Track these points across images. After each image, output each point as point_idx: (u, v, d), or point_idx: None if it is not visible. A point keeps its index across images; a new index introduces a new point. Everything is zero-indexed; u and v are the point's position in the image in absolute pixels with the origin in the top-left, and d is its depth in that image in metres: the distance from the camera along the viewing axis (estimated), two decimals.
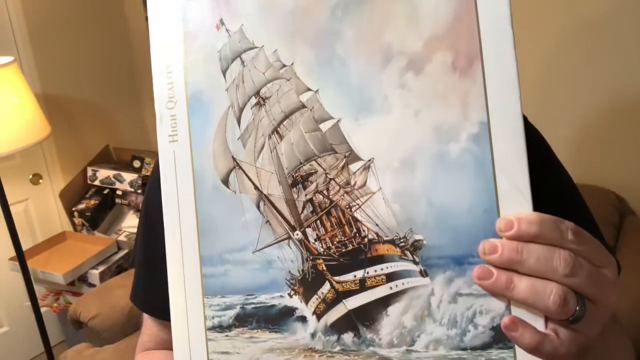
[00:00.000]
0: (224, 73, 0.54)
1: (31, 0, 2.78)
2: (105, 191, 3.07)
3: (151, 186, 0.86)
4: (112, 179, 3.02)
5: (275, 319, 0.54)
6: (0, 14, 2.70)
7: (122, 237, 2.92)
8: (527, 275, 0.46)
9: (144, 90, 3.46)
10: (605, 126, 2.02)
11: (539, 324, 0.47)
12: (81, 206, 3.01)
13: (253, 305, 0.54)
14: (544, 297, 0.45)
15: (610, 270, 0.49)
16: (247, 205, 0.54)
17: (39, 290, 2.59)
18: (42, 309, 2.53)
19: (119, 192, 3.07)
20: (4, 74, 2.14)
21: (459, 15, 0.49)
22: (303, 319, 0.53)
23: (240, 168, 0.54)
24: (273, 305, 0.54)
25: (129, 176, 2.99)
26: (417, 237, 0.50)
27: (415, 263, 0.50)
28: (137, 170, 3.00)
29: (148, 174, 2.95)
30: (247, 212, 0.54)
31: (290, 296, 0.53)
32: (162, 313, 0.84)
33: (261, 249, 0.54)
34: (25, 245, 2.43)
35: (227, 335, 0.55)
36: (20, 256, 2.36)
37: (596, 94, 2.00)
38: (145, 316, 0.89)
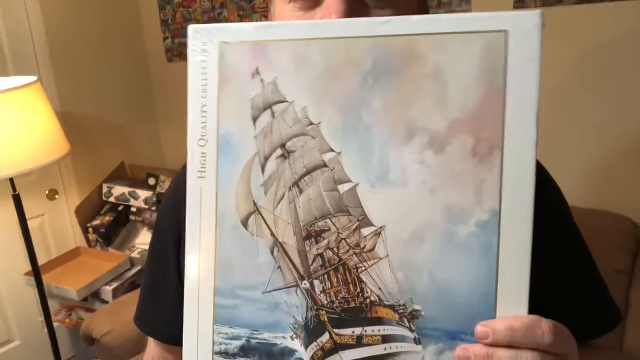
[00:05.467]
0: (254, 121, 0.57)
1: (53, 22, 2.82)
2: (120, 208, 3.08)
3: (163, 210, 0.89)
4: (127, 195, 3.04)
5: (275, 356, 0.58)
6: (23, 34, 2.73)
7: (135, 254, 2.93)
8: None
9: (159, 109, 3.51)
10: (620, 152, 2.01)
11: None
12: (96, 222, 3.03)
13: (257, 341, 0.58)
14: None
15: (573, 356, 0.53)
16: (262, 249, 0.57)
17: (51, 305, 2.60)
18: (54, 324, 2.55)
19: (133, 209, 3.07)
20: (27, 93, 2.17)
21: (486, 104, 0.51)
22: None
23: (260, 213, 0.57)
24: (275, 344, 0.58)
25: (143, 193, 3.00)
26: (416, 307, 0.53)
27: (411, 330, 0.53)
28: (152, 188, 3.02)
29: (162, 191, 2.97)
30: (261, 254, 0.57)
31: (292, 339, 0.57)
32: (164, 337, 0.88)
33: (270, 291, 0.57)
34: (40, 260, 2.45)
35: None
36: (36, 271, 2.38)
37: (611, 119, 2.00)
38: (150, 337, 0.93)
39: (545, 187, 0.77)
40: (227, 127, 0.58)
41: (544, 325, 0.50)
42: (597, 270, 0.79)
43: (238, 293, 0.58)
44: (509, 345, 0.50)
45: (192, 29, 0.58)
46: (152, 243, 0.91)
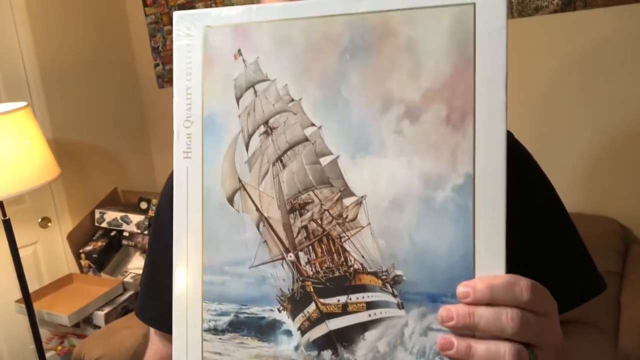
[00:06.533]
0: (237, 100, 0.59)
1: (44, 49, 2.87)
2: (113, 233, 3.08)
3: (162, 202, 0.90)
4: (120, 220, 3.04)
5: (264, 329, 0.59)
6: (14, 62, 2.77)
7: (128, 279, 2.91)
8: (484, 339, 0.51)
9: (152, 135, 3.55)
10: (606, 156, 2.06)
11: None
12: (88, 248, 3.03)
13: (245, 315, 0.59)
14: (499, 359, 0.50)
15: (553, 315, 0.54)
16: (248, 225, 0.59)
17: (44, 333, 2.59)
18: (47, 353, 2.53)
19: (125, 234, 3.07)
20: (17, 117, 2.21)
21: (457, 73, 0.53)
22: (288, 333, 0.58)
23: (245, 190, 0.59)
24: (263, 317, 0.59)
25: (135, 218, 3.00)
26: (398, 272, 0.55)
27: (394, 296, 0.55)
28: (144, 212, 3.02)
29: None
30: (247, 230, 0.59)
31: (279, 311, 0.58)
32: (166, 326, 0.89)
33: (257, 266, 0.59)
34: (32, 288, 2.45)
35: (220, 338, 0.60)
36: (27, 299, 2.37)
37: (599, 124, 2.04)
38: (152, 331, 0.93)
39: (524, 164, 0.80)
40: (211, 108, 0.60)
41: (523, 283, 0.51)
42: (581, 241, 0.81)
43: (226, 269, 0.60)
44: (489, 304, 0.51)
45: (177, 15, 0.61)
46: (152, 235, 0.93)
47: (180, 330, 0.61)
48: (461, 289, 0.52)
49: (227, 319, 0.60)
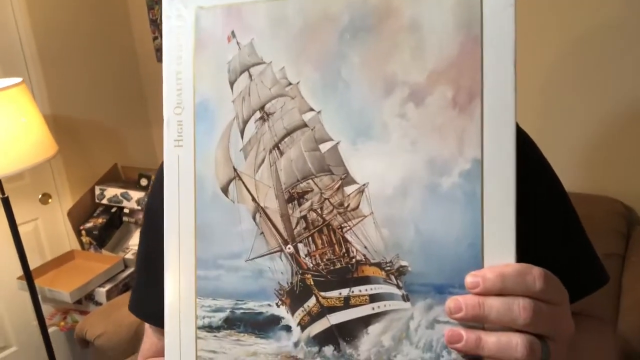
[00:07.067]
0: (231, 85, 0.56)
1: (41, 23, 2.80)
2: (113, 210, 3.06)
3: (154, 190, 0.87)
4: (120, 197, 3.02)
5: (261, 325, 0.56)
6: (11, 36, 2.71)
7: (129, 255, 2.91)
8: (494, 331, 0.49)
9: (152, 110, 3.49)
10: (610, 136, 2.01)
11: None
12: (89, 225, 3.02)
13: (242, 311, 0.57)
14: (511, 351, 0.48)
15: (566, 304, 0.52)
16: (244, 216, 0.56)
17: (47, 309, 2.61)
18: (50, 329, 2.55)
19: (126, 211, 3.05)
20: (13, 94, 2.17)
21: (463, 53, 0.50)
22: (288, 328, 0.56)
23: (240, 179, 0.56)
24: (261, 313, 0.56)
25: (136, 194, 2.98)
26: (403, 262, 0.52)
27: (399, 287, 0.52)
28: (144, 189, 3.00)
29: None
30: (243, 221, 0.56)
31: (278, 306, 0.56)
32: (161, 320, 0.86)
33: (254, 259, 0.56)
34: (34, 264, 2.45)
35: (215, 336, 0.58)
36: (28, 275, 2.38)
37: (602, 104, 1.99)
38: (146, 324, 0.90)
39: (529, 153, 0.77)
40: (203, 93, 0.57)
41: (535, 272, 0.49)
42: (585, 234, 0.79)
43: (220, 263, 0.57)
44: (499, 294, 0.49)
45: None
46: (144, 225, 0.89)
47: (172, 329, 0.59)
48: (470, 278, 0.50)
49: (222, 315, 0.57)
